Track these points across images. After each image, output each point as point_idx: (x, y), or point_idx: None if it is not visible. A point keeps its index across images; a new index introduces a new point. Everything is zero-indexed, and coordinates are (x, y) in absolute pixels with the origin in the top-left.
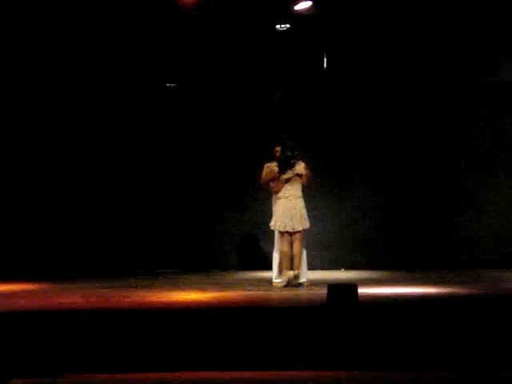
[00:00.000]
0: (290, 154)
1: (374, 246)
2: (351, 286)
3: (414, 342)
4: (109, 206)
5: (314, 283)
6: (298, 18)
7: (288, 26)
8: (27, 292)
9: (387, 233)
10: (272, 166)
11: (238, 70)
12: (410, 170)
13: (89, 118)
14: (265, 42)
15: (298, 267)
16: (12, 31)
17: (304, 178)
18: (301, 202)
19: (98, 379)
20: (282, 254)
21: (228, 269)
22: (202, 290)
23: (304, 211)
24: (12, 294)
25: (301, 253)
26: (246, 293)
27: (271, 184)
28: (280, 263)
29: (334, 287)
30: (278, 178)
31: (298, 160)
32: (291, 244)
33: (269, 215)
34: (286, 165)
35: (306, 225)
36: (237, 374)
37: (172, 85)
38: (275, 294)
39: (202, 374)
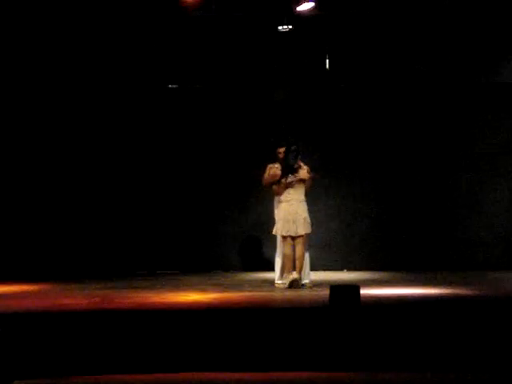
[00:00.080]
0: (293, 159)
1: (376, 247)
2: (353, 287)
3: (416, 343)
4: (110, 206)
5: (316, 284)
6: (300, 19)
7: (290, 27)
8: (29, 293)
9: (389, 234)
10: (275, 168)
11: (240, 71)
12: (412, 170)
13: (90, 119)
14: (267, 43)
15: (300, 270)
16: (13, 33)
17: (308, 182)
18: (303, 206)
19: (99, 380)
20: (284, 256)
21: (230, 270)
22: (204, 290)
23: (307, 215)
24: (13, 295)
25: (303, 256)
26: (248, 294)
27: (273, 186)
28: (282, 266)
29: (336, 288)
30: (280, 182)
31: (300, 166)
32: (293, 247)
33: (271, 216)
34: (289, 171)
35: (309, 229)
36: (238, 375)
37: (174, 86)
38: (277, 295)
39: (204, 375)
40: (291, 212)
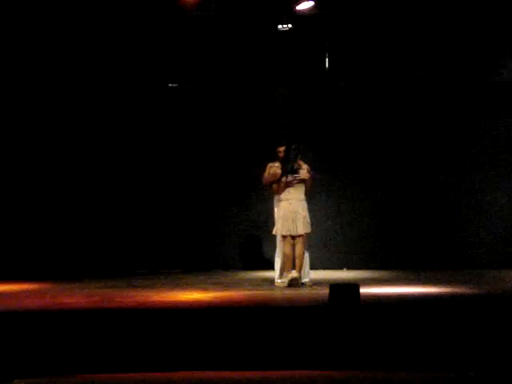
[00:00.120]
0: (293, 158)
1: (376, 246)
2: (353, 286)
3: (416, 342)
4: (111, 205)
5: (316, 283)
6: (300, 18)
7: (290, 26)
8: (29, 292)
9: (389, 233)
10: (275, 167)
11: (240, 70)
12: (412, 170)
13: (91, 119)
14: (267, 42)
15: (300, 269)
16: (13, 33)
17: (308, 182)
18: (303, 205)
19: (100, 379)
20: (284, 256)
21: (230, 269)
22: (205, 289)
23: (307, 214)
24: (14, 294)
25: (303, 255)
26: (248, 292)
27: (273, 185)
28: (282, 265)
29: (336, 287)
30: (280, 181)
31: (300, 165)
32: (293, 246)
33: (271, 215)
34: (289, 170)
35: (308, 229)
36: (239, 374)
37: (174, 85)
38: (277, 294)
39: (204, 374)
40: (291, 211)
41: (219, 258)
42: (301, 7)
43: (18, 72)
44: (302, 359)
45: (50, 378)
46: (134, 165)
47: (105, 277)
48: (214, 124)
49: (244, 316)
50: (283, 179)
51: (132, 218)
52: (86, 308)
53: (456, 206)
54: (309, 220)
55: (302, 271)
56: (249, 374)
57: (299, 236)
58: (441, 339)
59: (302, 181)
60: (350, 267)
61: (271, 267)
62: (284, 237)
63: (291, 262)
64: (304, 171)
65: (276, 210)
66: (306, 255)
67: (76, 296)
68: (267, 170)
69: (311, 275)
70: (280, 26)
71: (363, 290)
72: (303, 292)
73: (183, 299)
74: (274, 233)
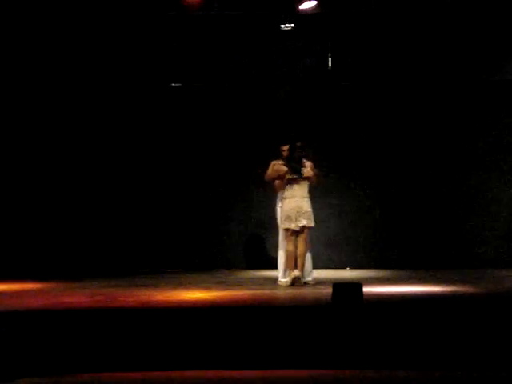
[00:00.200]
0: (297, 157)
1: (378, 245)
2: (356, 285)
3: (419, 341)
4: (113, 205)
5: (319, 282)
6: (302, 18)
7: (293, 25)
8: (32, 291)
9: (392, 232)
10: (279, 165)
11: (242, 70)
12: (415, 169)
13: (93, 118)
14: (269, 42)
15: (302, 268)
16: (14, 32)
17: (312, 179)
18: (307, 203)
19: (102, 378)
20: (287, 254)
21: (233, 268)
22: (207, 289)
23: (310, 211)
24: (17, 294)
25: (305, 253)
26: (251, 292)
27: (276, 182)
28: (285, 264)
29: (339, 286)
30: (284, 178)
31: (304, 163)
32: (296, 244)
33: (273, 215)
34: (294, 170)
35: (312, 223)
36: (241, 373)
37: (177, 84)
38: (280, 293)
39: (207, 373)
40: (295, 208)
41: (222, 258)
42: (303, 7)
43: (27, 70)
44: (305, 358)
45: (52, 377)
46: (137, 164)
47: (107, 276)
48: (217, 123)
49: (247, 315)
50: (287, 176)
51: (135, 218)
52: (89, 307)
53: (458, 205)
54: (312, 217)
55: (305, 270)
56: (251, 373)
57: (302, 233)
58: (443, 338)
59: (307, 178)
60: (352, 266)
61: (274, 266)
62: (286, 235)
63: (294, 261)
64: (307, 169)
65: (279, 207)
66: (309, 255)
67: (79, 295)
68: (270, 167)
69: (314, 274)
70: (283, 26)
71: (366, 289)
72: (306, 291)
73: (186, 298)
74: (281, 226)
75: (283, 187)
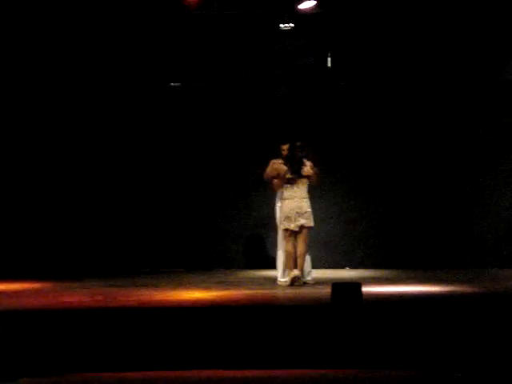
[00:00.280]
0: (297, 156)
1: (377, 245)
2: (355, 285)
3: (418, 341)
4: (113, 204)
5: (318, 282)
6: (302, 17)
7: (292, 25)
8: (33, 291)
9: (391, 232)
10: (278, 164)
11: (242, 70)
12: (414, 169)
13: (92, 117)
14: (269, 42)
15: (301, 268)
16: (14, 30)
17: (313, 178)
18: (306, 203)
19: (102, 378)
20: (286, 253)
21: (232, 268)
22: (207, 288)
23: (310, 211)
24: (17, 293)
25: (305, 253)
26: (251, 292)
27: (275, 181)
28: (284, 264)
29: (338, 286)
30: (284, 177)
31: (304, 162)
32: (295, 244)
33: (273, 215)
34: (294, 170)
35: (311, 223)
36: (240, 373)
37: (176, 84)
38: (279, 293)
39: (206, 373)
40: (294, 208)
41: (221, 257)
42: (303, 6)
43: (17, 72)
44: (304, 358)
45: (52, 376)
46: (136, 163)
47: (107, 276)
48: (216, 123)
49: (246, 315)
50: (287, 176)
51: (134, 217)
52: (89, 307)
53: (457, 204)
54: (312, 217)
55: (304, 270)
56: (251, 373)
57: (301, 233)
58: (442, 338)
59: (307, 177)
60: (351, 266)
61: (273, 266)
62: (286, 234)
63: (293, 261)
64: (307, 167)
65: (278, 208)
66: (308, 257)
67: (79, 295)
68: (270, 166)
69: (313, 274)
70: (282, 25)
71: (365, 289)
72: (305, 291)
73: (186, 298)
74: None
75: (282, 186)
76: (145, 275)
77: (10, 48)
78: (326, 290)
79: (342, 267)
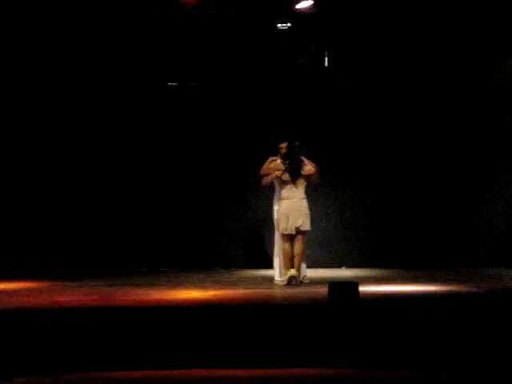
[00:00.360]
0: (298, 154)
1: (374, 244)
2: (352, 284)
3: (415, 340)
4: (110, 204)
5: (315, 281)
6: (299, 17)
7: (289, 24)
8: (30, 290)
9: (388, 231)
10: (277, 162)
11: (239, 69)
12: (411, 168)
13: (90, 117)
14: (266, 41)
15: (299, 267)
16: (13, 31)
17: (315, 176)
18: (304, 204)
19: (100, 377)
20: (283, 253)
21: (230, 267)
22: (204, 288)
23: (307, 212)
24: (14, 293)
25: (302, 254)
26: (248, 291)
27: (267, 177)
28: (281, 263)
29: (335, 285)
30: (280, 176)
31: (303, 161)
32: (292, 244)
33: (271, 214)
34: (292, 171)
35: (308, 226)
36: (238, 372)
37: (174, 84)
38: (276, 292)
39: (203, 372)
40: (292, 209)
41: (219, 257)
42: (300, 6)
43: (17, 72)
44: (301, 357)
45: (50, 376)
46: (134, 163)
47: (105, 275)
48: (214, 122)
49: (243, 314)
50: (283, 177)
51: (131, 216)
52: (87, 306)
53: (455, 204)
54: (309, 219)
55: (300, 273)
56: (247, 372)
57: (299, 234)
58: (440, 337)
59: (306, 177)
60: (348, 265)
61: (271, 266)
62: (283, 234)
63: (290, 260)
64: (308, 166)
65: (276, 208)
66: (303, 264)
67: (76, 294)
68: (268, 162)
69: (308, 273)
70: (279, 25)
71: (362, 289)
72: (302, 290)
73: (183, 297)
74: (277, 230)
75: (268, 184)
76: (142, 274)
77: (9, 48)
78: (323, 290)
79: (339, 266)
